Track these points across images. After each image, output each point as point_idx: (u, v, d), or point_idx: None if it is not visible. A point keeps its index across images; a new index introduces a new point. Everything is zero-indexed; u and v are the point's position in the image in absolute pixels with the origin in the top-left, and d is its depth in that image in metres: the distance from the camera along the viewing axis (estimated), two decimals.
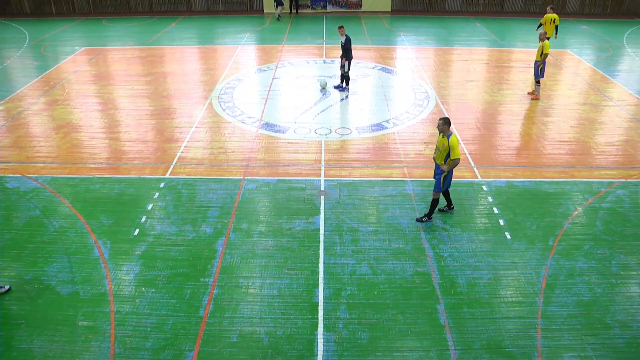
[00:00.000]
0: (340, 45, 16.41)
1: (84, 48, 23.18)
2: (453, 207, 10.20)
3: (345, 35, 16.02)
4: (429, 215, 9.87)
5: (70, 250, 9.46)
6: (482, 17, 28.22)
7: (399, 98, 16.19)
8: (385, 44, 22.79)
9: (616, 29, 25.50)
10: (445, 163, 9.27)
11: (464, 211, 10.20)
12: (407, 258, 8.88)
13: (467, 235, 9.48)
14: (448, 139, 9.09)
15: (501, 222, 9.85)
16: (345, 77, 16.54)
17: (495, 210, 10.21)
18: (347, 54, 16.02)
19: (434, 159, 9.67)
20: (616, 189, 11.03)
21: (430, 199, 10.04)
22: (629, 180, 11.38)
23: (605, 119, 14.59)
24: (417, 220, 9.87)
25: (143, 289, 8.45)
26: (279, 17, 28.08)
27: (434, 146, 12.65)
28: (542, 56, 15.47)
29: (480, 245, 9.20)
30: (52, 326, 7.78)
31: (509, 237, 9.43)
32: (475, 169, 11.78)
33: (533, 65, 16.34)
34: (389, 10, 29.62)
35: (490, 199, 10.61)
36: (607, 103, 15.71)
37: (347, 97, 16.22)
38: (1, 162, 12.78)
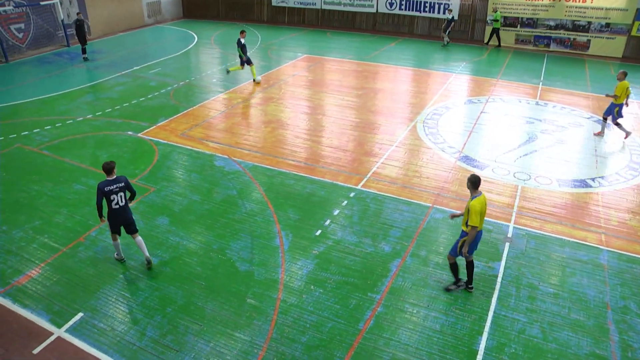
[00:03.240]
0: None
1: (305, 55, 25.15)
2: (461, 285, 9.06)
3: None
4: (455, 282, 8.99)
5: (255, 234, 10.41)
6: None
7: (611, 156, 14.90)
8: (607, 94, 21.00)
9: None
10: (467, 227, 8.33)
11: None
12: (585, 334, 8.15)
13: None
14: (471, 200, 8.20)
15: None
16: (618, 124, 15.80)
17: None
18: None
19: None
20: None
21: None
22: None
23: None
24: (446, 289, 8.99)
25: (312, 287, 8.96)
26: (446, 43, 28.28)
27: None
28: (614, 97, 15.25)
29: None
30: (225, 295, 8.71)
31: None
32: None
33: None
34: (620, 56, 26.81)
35: None
36: None
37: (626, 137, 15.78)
38: (214, 142, 14.53)
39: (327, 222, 10.88)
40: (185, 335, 7.91)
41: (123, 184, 8.84)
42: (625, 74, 15.20)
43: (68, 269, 9.35)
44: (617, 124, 15.69)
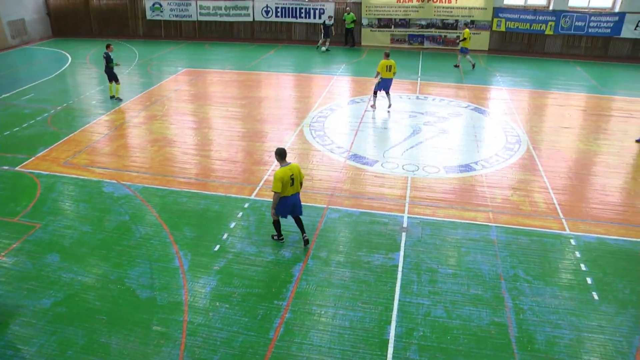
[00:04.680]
0: None
1: (185, 69, 24.58)
2: (281, 239, 10.42)
3: None
4: (278, 236, 10.37)
5: (153, 258, 9.94)
6: (584, 61, 27.06)
7: (489, 140, 15.90)
8: (479, 84, 22.45)
9: None
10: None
11: (549, 264, 9.77)
12: (484, 306, 8.62)
13: (550, 289, 9.05)
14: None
15: (588, 280, 9.32)
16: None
17: (583, 267, 9.69)
18: None
19: None
20: None
21: None
22: None
23: None
24: (272, 237, 10.50)
25: (217, 304, 8.71)
26: (324, 49, 28.69)
27: (522, 192, 12.37)
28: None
29: (563, 302, 8.73)
30: (129, 326, 8.19)
31: (596, 297, 8.88)
32: (563, 220, 11.29)
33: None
34: (487, 49, 29.03)
35: (577, 254, 10.10)
36: None
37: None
38: (101, 168, 13.75)
39: (225, 236, 10.62)
40: None
41: None
42: (386, 55, 17.98)
43: None
44: (375, 93, 18.47)
